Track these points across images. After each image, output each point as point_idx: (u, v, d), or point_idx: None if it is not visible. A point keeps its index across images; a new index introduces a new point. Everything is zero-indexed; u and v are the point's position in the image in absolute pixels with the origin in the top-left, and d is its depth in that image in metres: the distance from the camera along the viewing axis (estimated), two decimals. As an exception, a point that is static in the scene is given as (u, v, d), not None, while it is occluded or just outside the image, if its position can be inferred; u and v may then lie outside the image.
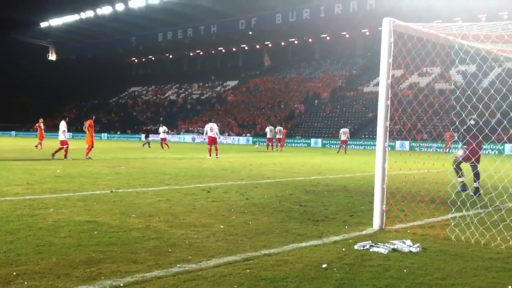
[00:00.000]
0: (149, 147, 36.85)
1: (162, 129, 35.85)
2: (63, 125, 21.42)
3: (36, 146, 30.20)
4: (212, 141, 24.75)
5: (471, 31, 7.01)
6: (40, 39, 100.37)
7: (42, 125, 32.01)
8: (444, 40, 7.62)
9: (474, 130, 10.06)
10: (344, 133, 36.33)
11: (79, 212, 7.84)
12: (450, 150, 38.59)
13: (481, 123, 10.61)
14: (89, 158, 21.23)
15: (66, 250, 5.52)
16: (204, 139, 26.37)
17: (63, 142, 21.15)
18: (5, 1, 78.85)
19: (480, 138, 10.33)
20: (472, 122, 10.77)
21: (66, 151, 20.96)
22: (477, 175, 10.92)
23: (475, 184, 10.93)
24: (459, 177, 11.06)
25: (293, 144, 52.63)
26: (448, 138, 38.95)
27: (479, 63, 8.02)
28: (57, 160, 20.24)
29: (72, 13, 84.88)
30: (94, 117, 23.33)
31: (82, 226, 6.77)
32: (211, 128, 24.68)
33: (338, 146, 37.92)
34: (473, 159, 10.81)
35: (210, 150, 24.98)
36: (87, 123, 22.05)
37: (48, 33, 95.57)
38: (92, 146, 21.75)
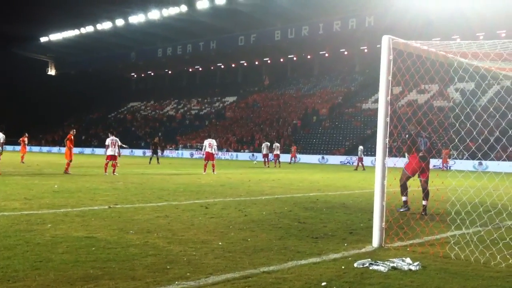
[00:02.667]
0: (158, 162, 35.10)
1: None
2: (114, 140, 21.96)
3: (22, 162, 29.67)
4: (209, 157, 24.53)
5: (470, 49, 7.06)
6: (40, 53, 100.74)
7: (26, 139, 31.82)
8: (443, 57, 7.67)
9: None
10: (361, 150, 36.08)
11: (77, 228, 7.80)
12: (448, 167, 38.66)
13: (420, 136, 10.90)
14: (68, 173, 21.01)
15: (64, 266, 5.48)
16: (202, 155, 26.14)
17: (113, 157, 21.78)
18: (5, 15, 79.33)
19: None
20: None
21: (113, 165, 21.71)
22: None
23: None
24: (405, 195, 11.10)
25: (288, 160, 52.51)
26: (445, 155, 39.05)
27: (477, 81, 8.06)
28: (58, 175, 20.24)
29: (72, 28, 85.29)
30: (74, 131, 23.04)
31: (80, 242, 6.73)
32: (210, 144, 24.48)
33: (357, 163, 36.89)
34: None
35: (205, 166, 24.71)
36: (68, 136, 21.98)
37: (48, 47, 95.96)
38: (71, 161, 21.61)
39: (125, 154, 68.26)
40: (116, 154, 21.91)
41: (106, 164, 21.75)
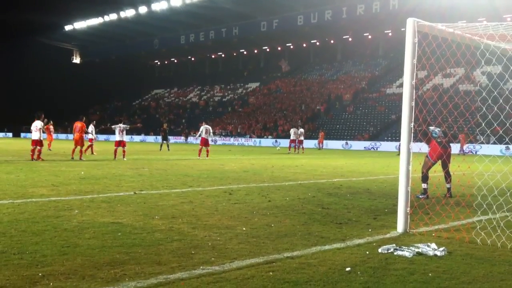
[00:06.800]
0: (168, 149, 35.07)
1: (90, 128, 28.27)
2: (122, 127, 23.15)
3: (49, 149, 30.11)
4: (205, 142, 25.73)
5: (497, 31, 6.90)
6: (65, 42, 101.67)
7: (51, 127, 32.28)
8: (469, 40, 7.52)
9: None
10: None
11: (103, 214, 7.92)
12: (465, 152, 38.10)
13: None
14: (83, 159, 21.49)
15: (90, 251, 5.57)
16: (197, 139, 27.57)
17: (120, 143, 23.03)
18: (30, 5, 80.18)
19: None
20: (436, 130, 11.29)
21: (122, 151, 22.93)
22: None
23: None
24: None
25: (313, 146, 52.36)
26: (462, 139, 38.44)
27: (505, 63, 7.89)
28: (85, 162, 20.57)
29: (96, 16, 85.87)
30: (84, 118, 23.49)
31: (106, 228, 6.83)
32: (207, 130, 25.77)
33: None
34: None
35: (200, 151, 25.78)
36: (81, 125, 22.48)
37: (73, 36, 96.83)
38: (82, 146, 22.24)
39: (150, 141, 69.00)
40: (123, 140, 23.06)
41: (115, 150, 23.00)
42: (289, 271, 4.97)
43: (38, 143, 20.64)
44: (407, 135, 7.01)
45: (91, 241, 6.04)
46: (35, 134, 20.61)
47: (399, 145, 7.01)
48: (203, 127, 25.89)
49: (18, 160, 21.09)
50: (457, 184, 11.15)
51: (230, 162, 22.57)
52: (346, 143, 53.18)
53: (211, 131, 26.40)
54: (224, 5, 71.28)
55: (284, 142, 49.33)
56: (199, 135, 26.22)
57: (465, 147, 39.40)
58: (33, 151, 20.79)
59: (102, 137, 69.05)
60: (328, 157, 31.50)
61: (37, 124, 20.73)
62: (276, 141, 56.75)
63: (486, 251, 6.02)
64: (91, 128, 28.23)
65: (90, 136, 27.56)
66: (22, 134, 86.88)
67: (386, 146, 49.04)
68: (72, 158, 21.88)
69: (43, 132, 21.53)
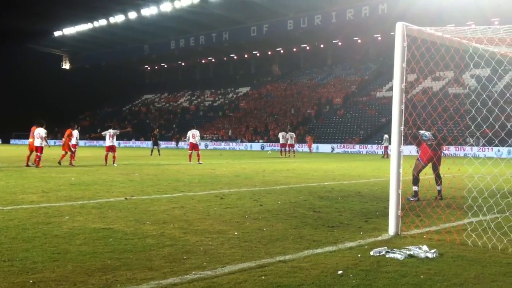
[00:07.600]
0: (159, 154, 35.43)
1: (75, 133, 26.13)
2: (111, 132, 23.26)
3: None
4: (193, 147, 25.74)
5: (485, 35, 6.96)
6: (54, 48, 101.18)
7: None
8: (458, 44, 7.57)
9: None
10: (386, 138, 36.36)
11: (94, 220, 7.87)
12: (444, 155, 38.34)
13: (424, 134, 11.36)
14: (73, 165, 21.79)
15: (81, 257, 5.54)
16: (187, 145, 27.70)
17: (111, 148, 23.15)
18: (19, 11, 79.82)
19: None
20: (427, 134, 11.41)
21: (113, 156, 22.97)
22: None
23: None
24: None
25: (303, 150, 52.42)
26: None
27: (493, 66, 7.98)
28: (75, 168, 20.48)
29: (85, 21, 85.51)
30: (76, 126, 24.41)
31: (97, 234, 6.79)
32: (193, 135, 25.71)
33: (384, 152, 37.42)
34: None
35: (190, 156, 25.89)
36: (67, 131, 23.23)
37: (62, 42, 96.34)
38: (71, 152, 22.67)
39: (140, 146, 68.77)
40: (114, 145, 23.10)
41: (106, 156, 23.04)
42: (281, 275, 4.96)
43: (38, 149, 20.79)
44: (397, 138, 7.04)
45: (82, 247, 6.00)
46: (37, 141, 20.83)
47: (384, 148, 7.05)
48: (190, 132, 25.98)
49: (8, 166, 20.96)
50: (447, 187, 11.20)
51: (221, 167, 22.53)
52: (337, 147, 53.31)
53: (198, 135, 26.28)
54: (214, 11, 71.33)
55: (275, 147, 49.37)
56: (188, 140, 26.38)
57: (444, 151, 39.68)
58: (37, 156, 20.82)
59: (92, 143, 68.93)
60: (319, 160, 31.54)
61: (40, 131, 20.89)
62: (267, 145, 56.81)
63: (477, 253, 6.05)
64: (75, 133, 27.83)
65: (73, 142, 27.02)
66: (12, 141, 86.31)
67: (377, 149, 49.21)
68: (59, 163, 22.00)
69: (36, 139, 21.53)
